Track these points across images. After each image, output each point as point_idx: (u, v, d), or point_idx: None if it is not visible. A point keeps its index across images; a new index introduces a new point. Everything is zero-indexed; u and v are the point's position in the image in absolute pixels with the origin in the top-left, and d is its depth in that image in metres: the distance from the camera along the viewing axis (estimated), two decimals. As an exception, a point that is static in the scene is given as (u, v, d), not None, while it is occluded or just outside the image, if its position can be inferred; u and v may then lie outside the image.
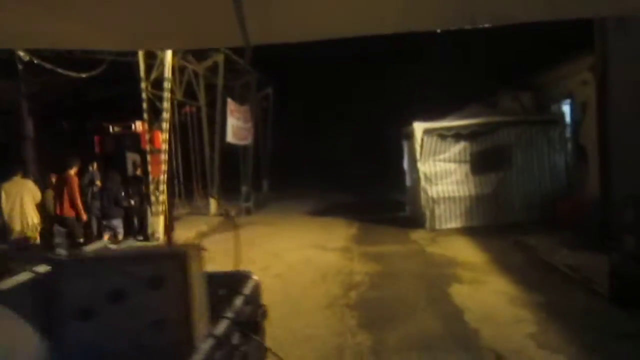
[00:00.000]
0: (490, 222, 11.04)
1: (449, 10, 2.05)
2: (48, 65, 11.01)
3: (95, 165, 11.13)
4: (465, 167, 11.44)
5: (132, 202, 11.46)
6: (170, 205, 12.58)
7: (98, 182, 11.03)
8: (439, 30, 2.12)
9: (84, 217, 9.95)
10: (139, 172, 12.09)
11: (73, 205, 9.61)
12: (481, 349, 4.76)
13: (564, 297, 6.14)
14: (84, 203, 10.11)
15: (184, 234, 12.34)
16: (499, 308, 5.86)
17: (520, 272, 7.35)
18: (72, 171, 9.78)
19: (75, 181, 9.82)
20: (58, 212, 9.66)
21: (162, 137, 12.02)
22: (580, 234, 8.81)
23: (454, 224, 11.33)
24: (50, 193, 10.86)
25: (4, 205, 9.18)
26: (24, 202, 9.23)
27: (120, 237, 11.03)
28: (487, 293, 6.48)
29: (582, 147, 10.52)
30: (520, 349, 4.70)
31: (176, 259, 1.44)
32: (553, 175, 11.47)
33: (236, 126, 16.30)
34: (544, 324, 5.23)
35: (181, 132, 14.55)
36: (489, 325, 5.26)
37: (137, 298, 1.37)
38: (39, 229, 9.60)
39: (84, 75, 10.58)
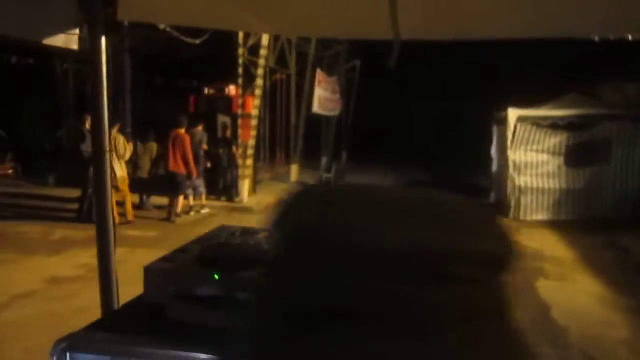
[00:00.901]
0: (579, 217, 10.65)
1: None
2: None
3: (202, 126, 11.57)
4: (559, 160, 11.04)
5: (218, 163, 11.93)
6: (255, 169, 13.02)
7: (205, 145, 11.49)
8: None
9: (195, 174, 10.51)
10: (228, 134, 12.52)
11: (185, 162, 10.22)
12: (569, 347, 4.73)
13: (660, 305, 5.91)
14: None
15: (265, 198, 12.69)
16: (588, 308, 5.74)
17: (611, 272, 7.12)
18: (182, 130, 10.37)
19: (188, 140, 10.41)
20: (170, 167, 10.28)
21: (254, 103, 12.39)
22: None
23: (540, 216, 11.04)
24: (152, 147, 11.49)
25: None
26: (115, 154, 9.96)
27: (204, 196, 11.58)
28: (575, 291, 6.35)
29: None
30: (611, 353, 4.63)
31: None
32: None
33: (323, 97, 16.47)
34: (637, 331, 5.10)
35: (270, 99, 14.88)
36: (578, 325, 5.18)
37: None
38: (127, 182, 10.31)
39: (187, 40, 10.97)
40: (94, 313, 5.48)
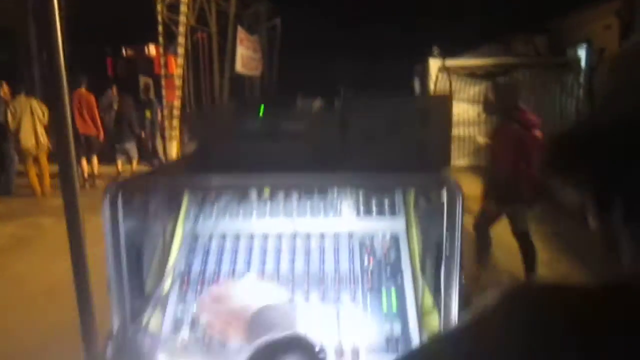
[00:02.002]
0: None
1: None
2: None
3: (114, 89, 11.16)
4: (478, 108, 11.62)
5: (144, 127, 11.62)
6: (182, 131, 12.74)
7: (115, 106, 11.15)
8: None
9: (102, 136, 10.17)
10: (151, 95, 12.16)
11: (94, 121, 9.82)
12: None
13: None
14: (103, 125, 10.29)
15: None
16: (509, 237, 6.23)
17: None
18: (83, 89, 9.92)
19: (92, 99, 9.97)
20: (81, 130, 9.85)
21: (177, 62, 12.04)
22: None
23: (462, 162, 11.65)
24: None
25: (13, 121, 9.44)
26: (33, 121, 9.49)
27: (134, 161, 11.28)
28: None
29: (594, 93, 10.67)
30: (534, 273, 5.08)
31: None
32: (562, 120, 11.67)
33: (246, 56, 16.21)
34: (553, 253, 5.59)
35: (192, 59, 14.46)
36: (503, 252, 5.62)
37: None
38: (49, 147, 9.86)
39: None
40: (26, 279, 5.35)
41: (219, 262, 1.61)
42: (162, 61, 12.02)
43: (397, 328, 1.46)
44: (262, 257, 1.62)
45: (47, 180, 9.98)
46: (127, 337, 1.34)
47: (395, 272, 1.58)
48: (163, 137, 12.06)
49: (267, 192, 1.71)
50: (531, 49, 13.05)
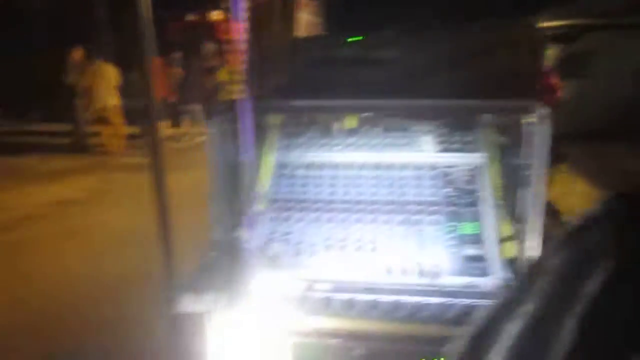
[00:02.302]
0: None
1: None
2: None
3: (179, 53, 11.46)
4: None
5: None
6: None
7: (180, 70, 11.48)
8: None
9: (172, 98, 10.52)
10: (214, 61, 12.38)
11: (163, 86, 10.19)
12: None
13: None
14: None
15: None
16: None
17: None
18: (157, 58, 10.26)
19: (160, 63, 10.33)
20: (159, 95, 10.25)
21: (240, 27, 12.17)
22: None
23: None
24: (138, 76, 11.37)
25: (88, 84, 9.94)
26: (106, 84, 9.96)
27: (200, 124, 11.62)
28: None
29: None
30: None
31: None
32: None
33: (306, 20, 16.20)
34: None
35: (254, 23, 14.57)
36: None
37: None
38: (118, 111, 10.33)
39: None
40: (104, 228, 5.64)
41: (306, 188, 1.71)
42: (225, 26, 12.17)
43: (477, 252, 1.52)
44: (346, 184, 1.71)
45: (120, 139, 10.49)
46: (226, 244, 1.47)
47: (476, 201, 1.64)
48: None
49: (351, 124, 1.79)
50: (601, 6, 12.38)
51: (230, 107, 1.45)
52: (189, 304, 1.48)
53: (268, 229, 1.62)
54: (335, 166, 1.75)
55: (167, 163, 1.90)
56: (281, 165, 1.75)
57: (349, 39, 1.40)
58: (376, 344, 1.48)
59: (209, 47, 12.79)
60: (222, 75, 11.71)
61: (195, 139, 11.36)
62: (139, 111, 9.56)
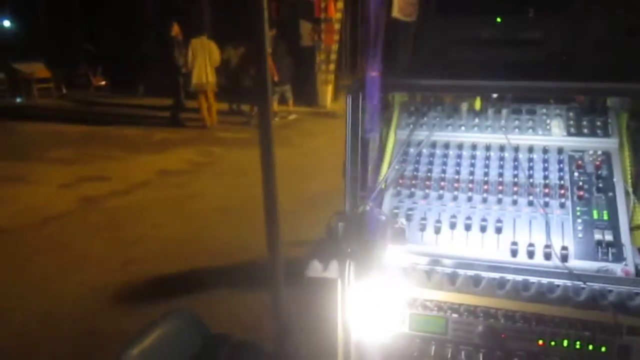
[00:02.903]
0: None
1: None
2: None
3: (273, 31, 11.70)
4: None
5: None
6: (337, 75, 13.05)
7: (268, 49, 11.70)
8: None
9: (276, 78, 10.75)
10: (313, 40, 12.55)
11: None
12: None
13: None
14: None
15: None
16: None
17: None
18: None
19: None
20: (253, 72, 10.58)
21: (337, 6, 12.25)
22: None
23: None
24: (234, 53, 11.75)
25: (189, 59, 10.38)
26: (206, 60, 10.35)
27: (290, 101, 11.85)
28: None
29: None
30: None
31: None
32: None
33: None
34: None
35: (351, 2, 14.58)
36: None
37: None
38: (215, 87, 10.74)
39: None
40: (205, 197, 6.04)
41: (431, 166, 1.75)
42: (322, 4, 12.28)
43: (608, 237, 1.50)
44: (471, 165, 1.73)
45: (214, 114, 10.94)
46: (355, 214, 1.54)
47: (607, 186, 1.60)
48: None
49: (478, 105, 1.80)
50: None
51: (363, 83, 1.50)
52: (318, 269, 1.57)
53: (393, 204, 1.67)
54: (461, 146, 1.77)
55: (255, 139, 2.00)
56: (407, 143, 1.79)
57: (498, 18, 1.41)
58: (498, 322, 1.51)
59: (306, 26, 12.98)
60: (321, 55, 11.87)
61: (288, 117, 11.61)
62: (229, 88, 9.96)
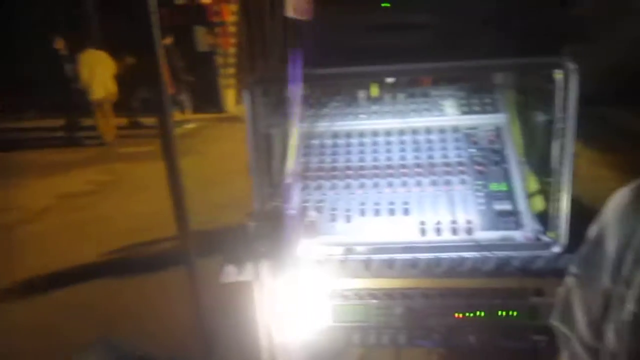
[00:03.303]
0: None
1: None
2: None
3: (168, 39, 11.35)
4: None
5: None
6: (239, 78, 12.90)
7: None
8: None
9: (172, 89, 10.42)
10: (207, 45, 12.31)
11: None
12: None
13: None
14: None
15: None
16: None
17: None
18: None
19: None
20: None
21: (230, 9, 12.10)
22: None
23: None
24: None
25: (84, 74, 9.88)
26: (104, 71, 9.89)
27: (188, 110, 11.59)
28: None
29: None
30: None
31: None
32: None
33: (295, -1, 16.05)
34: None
35: (243, 4, 14.46)
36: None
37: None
38: (115, 97, 10.29)
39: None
40: (111, 219, 5.68)
41: (335, 156, 1.75)
42: (215, 8, 12.09)
43: (507, 206, 1.57)
44: (373, 151, 1.75)
45: (112, 128, 10.46)
46: (265, 212, 1.52)
47: (501, 159, 1.68)
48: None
49: (375, 92, 1.83)
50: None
51: (261, 79, 1.48)
52: (232, 274, 1.53)
53: (302, 197, 1.66)
54: (362, 133, 1.79)
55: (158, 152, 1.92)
56: (309, 136, 1.78)
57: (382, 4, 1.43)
58: (416, 302, 1.54)
59: (201, 31, 12.71)
60: (219, 60, 11.69)
61: (187, 126, 11.31)
62: (124, 101, 9.45)
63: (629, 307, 0.78)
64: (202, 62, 12.29)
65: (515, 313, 1.56)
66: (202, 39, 12.33)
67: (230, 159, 8.40)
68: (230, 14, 11.98)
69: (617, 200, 0.90)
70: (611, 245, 0.86)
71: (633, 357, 0.79)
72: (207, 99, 12.51)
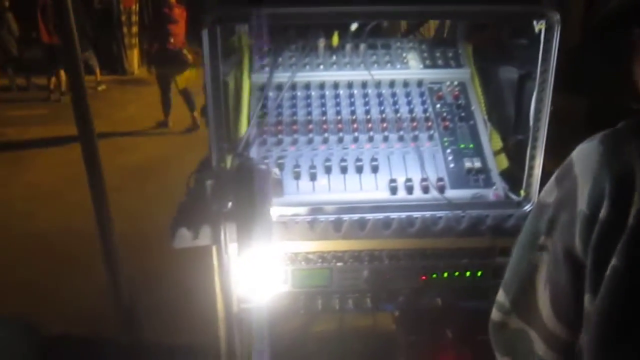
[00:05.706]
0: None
1: None
2: None
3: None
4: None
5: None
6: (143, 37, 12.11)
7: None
8: None
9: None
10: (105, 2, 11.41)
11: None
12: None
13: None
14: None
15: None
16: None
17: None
18: None
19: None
20: (45, 39, 9.21)
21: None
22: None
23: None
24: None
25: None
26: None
27: (97, 70, 10.74)
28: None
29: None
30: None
31: None
32: None
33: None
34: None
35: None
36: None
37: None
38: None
39: None
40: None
41: (294, 109, 1.61)
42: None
43: (477, 164, 1.52)
44: (335, 104, 1.63)
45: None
46: (228, 169, 1.35)
47: (467, 115, 1.62)
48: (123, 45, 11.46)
49: (334, 41, 1.69)
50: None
51: (220, 18, 1.29)
52: (187, 238, 1.36)
53: (260, 154, 1.51)
54: (323, 85, 1.66)
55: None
56: (265, 87, 1.62)
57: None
58: (383, 264, 1.46)
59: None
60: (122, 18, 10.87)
61: (97, 88, 10.49)
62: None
63: (613, 261, 0.71)
64: (102, 19, 11.40)
65: (479, 273, 1.53)
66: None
67: (138, 123, 7.93)
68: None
69: (584, 153, 0.81)
70: (582, 205, 0.77)
71: (622, 312, 0.72)
72: (110, 60, 11.65)
